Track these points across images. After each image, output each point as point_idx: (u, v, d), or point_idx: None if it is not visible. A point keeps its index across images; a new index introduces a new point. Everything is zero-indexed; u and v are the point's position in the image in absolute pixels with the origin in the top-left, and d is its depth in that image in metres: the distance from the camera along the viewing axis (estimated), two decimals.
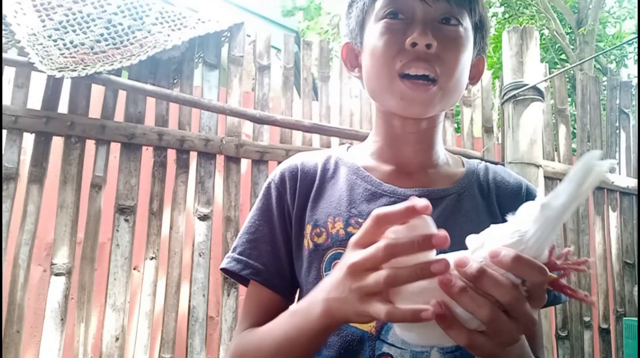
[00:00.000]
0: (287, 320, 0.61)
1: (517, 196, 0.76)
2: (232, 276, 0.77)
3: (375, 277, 0.47)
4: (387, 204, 0.70)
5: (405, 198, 0.71)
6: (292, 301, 0.77)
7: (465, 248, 0.69)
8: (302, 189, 0.75)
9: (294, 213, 0.75)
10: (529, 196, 0.77)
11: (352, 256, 0.50)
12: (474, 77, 0.78)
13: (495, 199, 0.75)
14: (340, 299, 0.51)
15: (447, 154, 0.81)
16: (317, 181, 0.76)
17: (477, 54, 0.77)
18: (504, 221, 0.72)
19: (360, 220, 0.70)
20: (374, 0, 0.72)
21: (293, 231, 0.75)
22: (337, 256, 0.69)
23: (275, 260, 0.74)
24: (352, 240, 0.52)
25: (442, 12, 0.69)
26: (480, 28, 0.75)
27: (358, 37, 0.77)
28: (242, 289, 1.46)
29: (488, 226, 0.70)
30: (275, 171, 0.79)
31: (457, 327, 0.45)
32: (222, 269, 0.77)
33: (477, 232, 0.69)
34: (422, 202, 0.46)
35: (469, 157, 2.21)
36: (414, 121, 0.74)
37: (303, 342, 0.57)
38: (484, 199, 0.75)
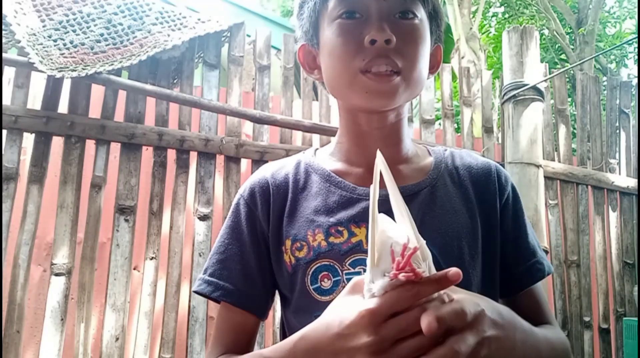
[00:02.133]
0: None
1: (488, 177, 0.76)
2: (205, 297, 0.75)
3: (403, 322, 0.47)
4: (366, 207, 0.69)
5: (381, 198, 0.71)
6: (265, 319, 0.76)
7: (446, 239, 0.71)
8: (276, 205, 0.73)
9: (270, 229, 0.73)
10: (500, 176, 0.77)
11: (369, 337, 0.47)
12: (433, 67, 0.77)
13: (468, 183, 0.75)
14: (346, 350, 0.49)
15: (414, 145, 0.80)
16: (290, 194, 0.74)
17: (435, 43, 0.76)
18: (479, 204, 0.74)
19: (340, 228, 0.69)
20: (326, 0, 0.71)
21: (271, 248, 0.73)
22: (323, 269, 0.68)
23: (246, 280, 0.72)
24: (370, 311, 0.48)
25: (397, 7, 0.68)
26: (434, 17, 0.74)
27: (314, 39, 0.75)
28: None
29: (463, 213, 0.73)
30: (244, 186, 0.77)
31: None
32: (196, 293, 0.75)
33: (453, 221, 0.72)
34: (453, 272, 0.47)
35: None
36: (379, 115, 0.72)
37: None
38: (456, 187, 0.75)
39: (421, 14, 0.70)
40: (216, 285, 0.72)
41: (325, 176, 0.75)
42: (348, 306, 0.50)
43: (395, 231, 0.50)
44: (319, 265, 0.68)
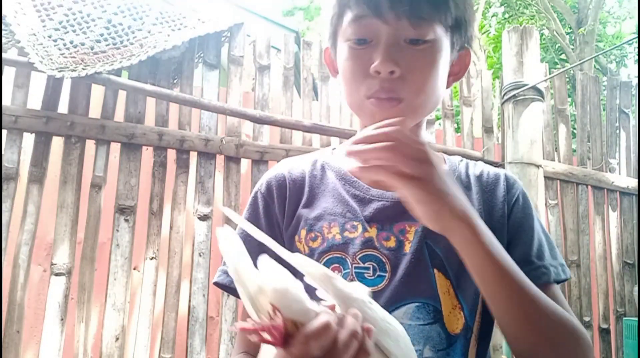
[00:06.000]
0: None
1: (496, 185, 0.76)
2: (225, 290, 0.77)
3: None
4: (378, 209, 0.71)
5: (393, 200, 0.72)
6: None
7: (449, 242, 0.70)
8: (292, 198, 0.76)
9: (285, 221, 0.75)
10: (509, 183, 0.77)
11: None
12: (459, 72, 0.76)
13: (477, 193, 0.76)
14: None
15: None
16: (306, 188, 0.76)
17: (460, 49, 0.75)
18: (487, 211, 0.72)
19: (355, 223, 0.71)
20: (341, 16, 0.71)
21: (286, 240, 0.75)
22: (334, 261, 0.70)
23: None
24: None
25: (407, 32, 0.66)
26: (457, 28, 0.71)
27: (333, 48, 0.77)
28: None
29: None
30: (261, 181, 0.79)
31: None
32: (215, 284, 0.77)
33: None
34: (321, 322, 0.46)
35: (469, 157, 2.21)
36: None
37: None
38: (467, 194, 0.75)
39: (435, 34, 0.67)
40: None
41: (340, 175, 0.77)
42: None
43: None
44: (330, 256, 0.70)
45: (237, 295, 0.77)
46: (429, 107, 0.72)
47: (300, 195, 0.76)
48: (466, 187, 0.76)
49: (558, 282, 0.74)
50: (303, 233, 0.73)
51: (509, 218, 0.74)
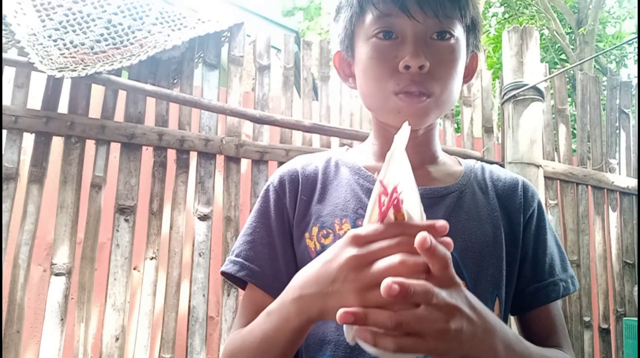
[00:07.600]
0: (264, 319, 0.60)
1: (514, 192, 0.77)
2: (230, 280, 0.77)
3: (382, 266, 0.47)
4: None
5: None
6: None
7: (468, 244, 0.70)
8: (304, 193, 0.75)
9: (295, 216, 0.74)
10: (526, 191, 0.77)
11: (354, 249, 0.49)
12: (468, 75, 0.78)
13: (494, 196, 0.76)
14: (323, 294, 0.50)
15: (444, 154, 0.81)
16: (319, 184, 0.76)
17: (471, 52, 0.76)
18: (504, 216, 0.73)
19: None
20: (362, 14, 0.71)
21: (295, 235, 0.74)
22: None
23: (271, 263, 0.74)
24: (355, 233, 0.49)
25: (433, 28, 0.68)
26: (472, 29, 0.73)
27: (349, 50, 0.76)
28: None
29: (488, 223, 0.72)
30: (274, 175, 0.79)
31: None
32: (222, 273, 0.76)
33: (478, 228, 0.71)
34: (441, 222, 0.48)
35: (469, 157, 2.21)
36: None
37: (282, 341, 0.57)
38: (484, 197, 0.75)
39: (457, 31, 0.70)
40: (242, 265, 0.74)
41: (355, 170, 0.76)
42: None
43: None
44: None
45: (241, 286, 0.77)
46: (449, 105, 0.73)
47: (313, 191, 0.75)
48: (482, 189, 0.76)
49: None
50: (315, 229, 0.72)
51: (524, 230, 0.75)
